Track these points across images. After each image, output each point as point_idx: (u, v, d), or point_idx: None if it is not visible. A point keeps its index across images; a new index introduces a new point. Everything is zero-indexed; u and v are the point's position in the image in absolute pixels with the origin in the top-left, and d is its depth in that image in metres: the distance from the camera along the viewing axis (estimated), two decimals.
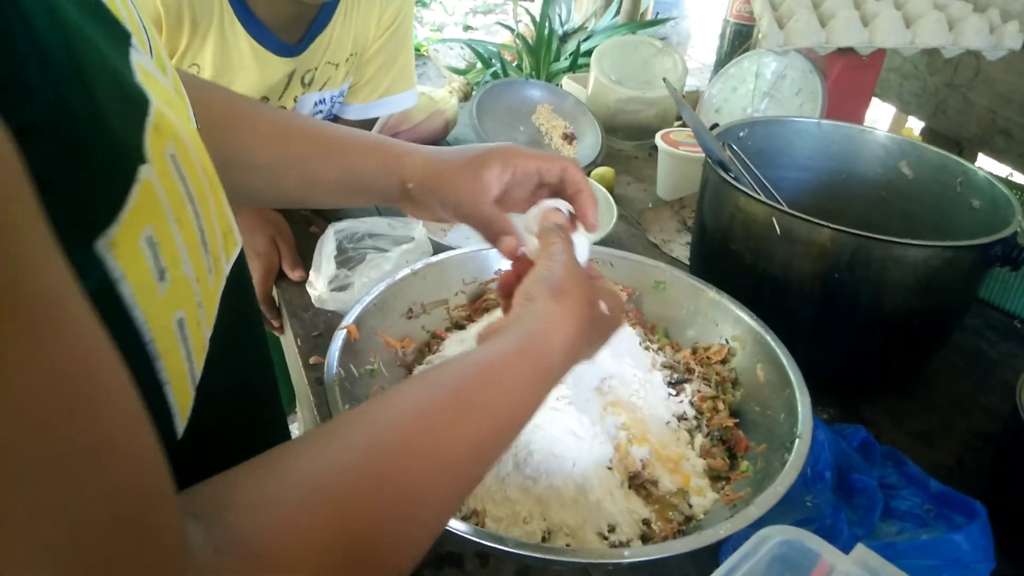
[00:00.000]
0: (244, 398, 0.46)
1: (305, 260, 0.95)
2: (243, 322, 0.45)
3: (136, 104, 0.31)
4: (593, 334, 0.53)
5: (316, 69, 1.06)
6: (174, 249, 0.32)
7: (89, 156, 0.27)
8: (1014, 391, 0.86)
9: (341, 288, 0.88)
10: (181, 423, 0.34)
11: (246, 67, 0.98)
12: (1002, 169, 1.30)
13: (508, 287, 0.58)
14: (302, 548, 0.30)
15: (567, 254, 0.56)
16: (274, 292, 0.98)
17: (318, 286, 0.88)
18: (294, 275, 0.96)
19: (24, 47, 0.23)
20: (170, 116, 0.34)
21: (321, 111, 1.14)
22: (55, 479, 0.20)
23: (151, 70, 0.35)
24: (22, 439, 0.19)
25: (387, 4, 1.10)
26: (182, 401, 0.34)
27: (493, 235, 0.61)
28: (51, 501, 0.20)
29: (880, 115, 1.96)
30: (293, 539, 0.30)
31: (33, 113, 0.24)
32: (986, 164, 1.11)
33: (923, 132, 1.47)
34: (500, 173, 0.63)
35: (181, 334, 0.33)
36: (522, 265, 0.57)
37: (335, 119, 1.19)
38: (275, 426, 0.55)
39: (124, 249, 0.29)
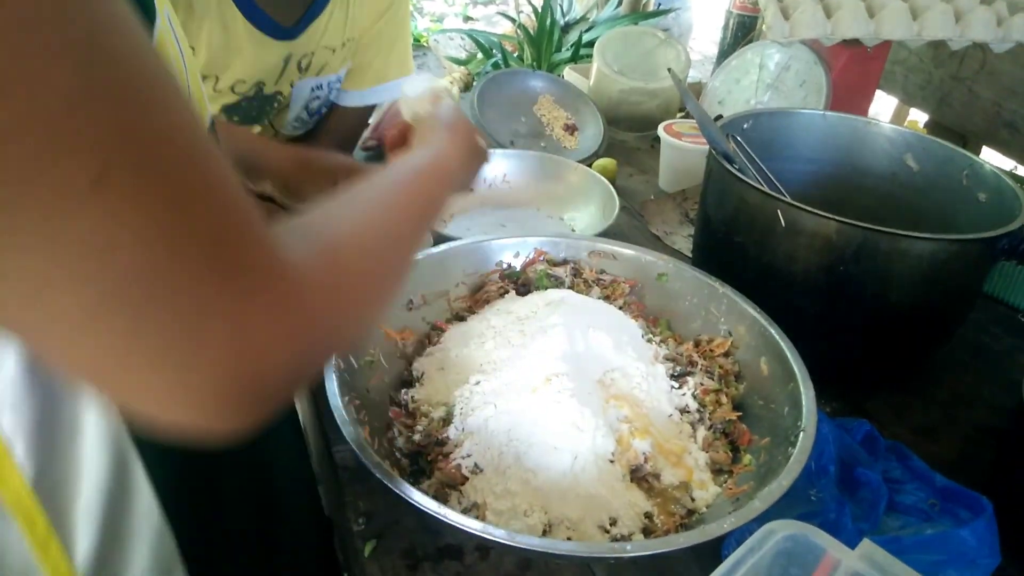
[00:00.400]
0: None
1: None
2: None
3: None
4: (473, 160, 0.69)
5: (313, 54, 1.05)
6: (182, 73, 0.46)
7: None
8: (1018, 386, 0.85)
9: None
10: None
11: (242, 50, 0.97)
12: (1006, 162, 1.29)
13: (395, 142, 0.73)
14: (353, 253, 0.40)
15: (453, 107, 0.72)
16: None
17: None
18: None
19: None
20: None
21: (319, 96, 1.12)
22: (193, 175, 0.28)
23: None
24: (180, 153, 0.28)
25: None
26: None
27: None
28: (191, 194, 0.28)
29: (883, 107, 1.95)
30: (350, 248, 0.40)
31: None
32: (990, 157, 1.10)
33: (927, 125, 1.46)
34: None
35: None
36: (404, 127, 0.73)
37: (333, 107, 1.18)
38: None
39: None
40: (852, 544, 0.46)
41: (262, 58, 0.99)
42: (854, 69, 1.22)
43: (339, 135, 1.18)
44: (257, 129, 1.08)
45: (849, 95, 1.23)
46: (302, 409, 0.88)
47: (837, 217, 0.71)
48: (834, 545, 0.46)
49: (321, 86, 1.12)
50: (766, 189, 0.77)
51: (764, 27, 1.37)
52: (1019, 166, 1.27)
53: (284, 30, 0.99)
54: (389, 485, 0.52)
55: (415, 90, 0.75)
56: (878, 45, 1.17)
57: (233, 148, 0.86)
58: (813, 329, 0.77)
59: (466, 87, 1.53)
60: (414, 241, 0.52)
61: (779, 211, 0.74)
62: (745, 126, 0.93)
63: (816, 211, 0.72)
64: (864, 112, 1.29)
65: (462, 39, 3.04)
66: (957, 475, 0.65)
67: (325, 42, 1.05)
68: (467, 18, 5.10)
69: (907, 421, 0.80)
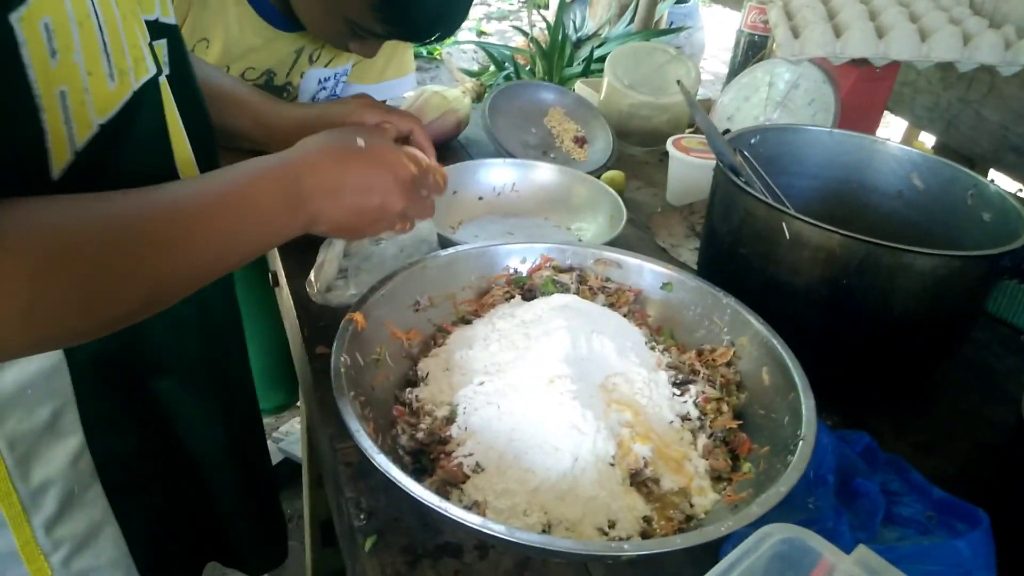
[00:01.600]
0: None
1: (312, 253, 0.95)
2: (148, 138, 0.58)
3: None
4: (369, 202, 0.62)
5: (323, 46, 1.07)
6: (68, 41, 0.46)
7: None
8: (1019, 404, 0.86)
9: (338, 289, 0.88)
10: (56, 168, 0.48)
11: (255, 44, 0.99)
12: (1013, 185, 1.30)
13: None
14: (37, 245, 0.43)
15: (390, 147, 0.67)
16: (281, 279, 0.99)
17: (317, 286, 0.89)
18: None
19: None
20: None
21: (325, 88, 1.15)
22: None
23: None
24: None
25: None
26: (58, 153, 0.48)
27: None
28: None
29: (892, 130, 1.96)
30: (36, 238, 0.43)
31: None
32: (997, 180, 1.11)
33: (935, 147, 1.47)
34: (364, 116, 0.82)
35: (62, 103, 0.47)
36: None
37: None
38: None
39: (28, 24, 0.43)
40: (849, 551, 0.47)
41: (274, 51, 1.02)
42: (862, 89, 1.23)
43: None
44: None
45: (857, 115, 1.24)
46: (308, 408, 0.89)
47: (841, 231, 0.72)
48: (829, 549, 0.47)
49: (329, 78, 1.14)
50: (771, 202, 0.78)
51: (774, 46, 1.38)
52: None
53: (295, 23, 1.01)
54: (391, 478, 0.52)
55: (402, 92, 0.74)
56: (887, 66, 1.18)
57: (242, 116, 0.86)
58: (815, 341, 0.77)
59: (478, 98, 1.55)
60: (172, 266, 0.50)
61: (784, 223, 0.75)
62: (752, 141, 0.94)
63: (820, 224, 0.72)
64: (872, 132, 1.29)
65: (475, 52, 3.07)
66: (956, 491, 0.66)
67: None
68: (480, 32, 5.14)
69: (907, 437, 0.80)
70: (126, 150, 0.54)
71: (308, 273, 0.94)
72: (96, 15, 0.48)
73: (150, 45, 0.57)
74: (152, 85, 0.56)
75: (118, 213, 0.48)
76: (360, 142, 0.62)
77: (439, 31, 0.96)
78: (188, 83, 0.67)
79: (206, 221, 0.51)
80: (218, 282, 0.58)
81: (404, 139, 0.83)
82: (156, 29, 0.60)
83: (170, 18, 0.63)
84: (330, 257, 0.92)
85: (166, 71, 0.61)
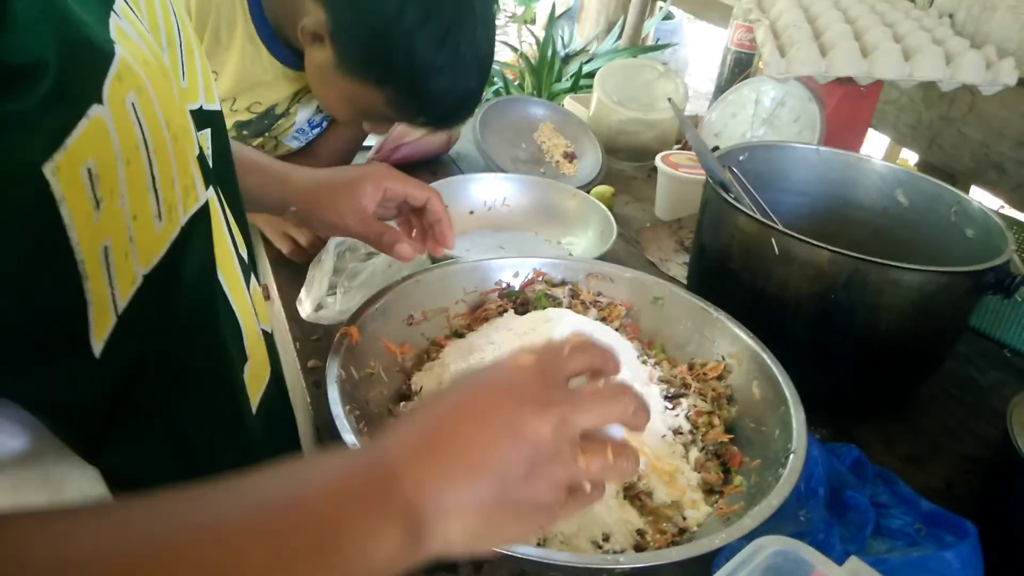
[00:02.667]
0: (190, 342, 0.47)
1: (304, 272, 0.95)
2: (197, 273, 0.47)
3: (101, 54, 0.36)
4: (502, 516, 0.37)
5: None
6: (114, 183, 0.36)
7: (45, 88, 0.32)
8: (1003, 418, 0.87)
9: (329, 308, 0.89)
10: (98, 343, 0.37)
11: (264, 80, 1.00)
12: (994, 202, 1.32)
13: None
14: None
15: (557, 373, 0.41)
16: (273, 292, 0.99)
17: (306, 306, 0.89)
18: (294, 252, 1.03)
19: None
20: (138, 71, 0.39)
21: (322, 111, 1.15)
22: None
23: (129, 33, 0.40)
24: None
25: None
26: (100, 322, 0.37)
27: (386, 244, 0.74)
28: None
29: (875, 147, 1.99)
30: None
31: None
32: (979, 197, 1.13)
33: (918, 164, 1.49)
34: (372, 192, 0.75)
35: (104, 260, 0.36)
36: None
37: (332, 122, 1.20)
38: (235, 383, 0.53)
39: (66, 174, 0.33)
40: (840, 564, 0.48)
41: (282, 88, 1.03)
42: (847, 107, 1.25)
43: (335, 150, 1.21)
44: (258, 141, 1.11)
45: (842, 132, 1.26)
46: (299, 422, 0.88)
47: (829, 247, 0.73)
48: (822, 561, 0.47)
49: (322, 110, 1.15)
50: (760, 218, 0.80)
51: (761, 64, 1.40)
52: (1006, 206, 1.30)
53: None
54: None
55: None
56: (871, 84, 1.20)
57: (250, 178, 0.73)
58: (804, 355, 0.78)
59: None
60: None
61: (773, 239, 0.76)
62: (741, 158, 0.96)
63: (809, 240, 0.74)
64: (856, 149, 1.32)
65: None
66: (943, 503, 0.67)
67: None
68: None
69: (895, 449, 0.81)
70: (172, 299, 0.43)
71: (299, 286, 0.94)
72: (146, 145, 0.39)
73: (199, 158, 0.47)
74: (202, 213, 0.47)
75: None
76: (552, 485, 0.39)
77: (457, 120, 1.00)
78: (232, 177, 0.58)
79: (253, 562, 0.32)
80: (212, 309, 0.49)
81: (418, 209, 0.80)
82: (200, 118, 0.51)
83: (215, 104, 0.53)
84: (320, 275, 0.92)
85: (209, 162, 0.52)
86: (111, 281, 0.36)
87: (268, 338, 0.60)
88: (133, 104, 0.37)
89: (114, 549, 0.30)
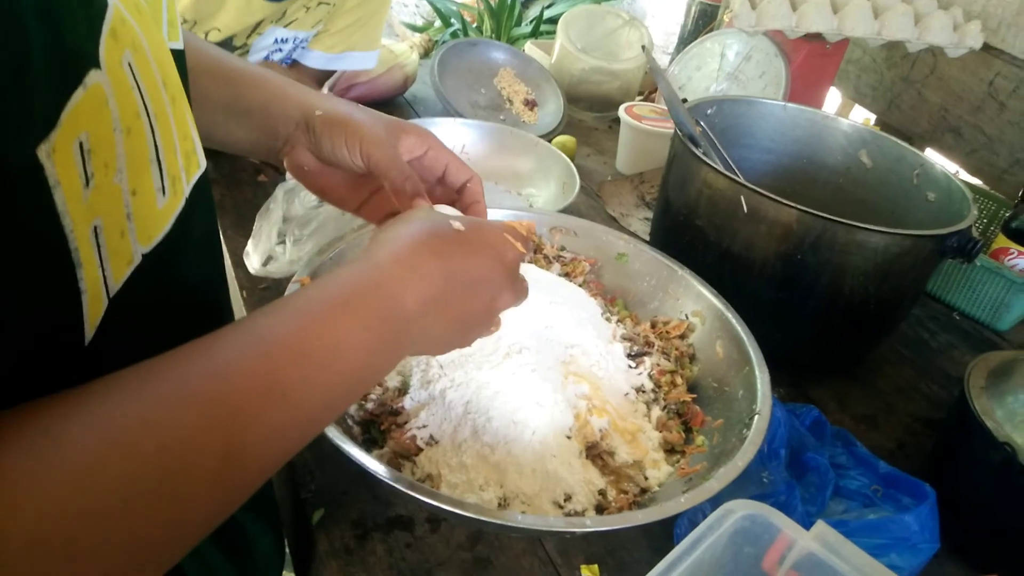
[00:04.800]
0: (195, 316, 0.44)
1: (250, 216, 0.90)
2: (201, 244, 0.43)
3: (93, 5, 0.29)
4: (474, 304, 0.45)
5: (285, 12, 1.02)
6: (110, 157, 0.31)
7: (35, 57, 0.26)
8: (952, 380, 0.89)
9: (278, 259, 0.84)
10: (89, 331, 0.33)
11: (230, 5, 0.94)
12: (949, 167, 1.33)
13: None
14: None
15: (489, 224, 0.48)
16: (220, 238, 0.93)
17: (254, 260, 0.84)
18: None
19: None
20: (132, 24, 0.32)
21: (280, 49, 1.09)
22: None
23: None
24: None
25: None
26: (93, 309, 0.33)
27: (406, 195, 0.54)
28: None
29: (828, 104, 2.00)
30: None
31: None
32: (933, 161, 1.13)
33: (876, 124, 1.50)
34: (414, 145, 0.59)
35: (95, 242, 0.32)
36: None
37: (293, 63, 1.14)
38: None
39: (61, 155, 0.28)
40: (801, 525, 0.47)
41: (244, 15, 0.97)
42: (812, 63, 1.24)
43: (306, 81, 1.15)
44: None
45: (805, 88, 1.25)
46: None
47: (798, 206, 0.72)
48: (789, 525, 0.47)
49: (287, 40, 1.08)
50: (730, 174, 0.78)
51: (727, 16, 1.38)
52: (960, 171, 1.32)
53: None
54: (341, 448, 0.50)
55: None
56: (837, 42, 1.19)
57: (250, 94, 0.59)
58: (766, 315, 0.78)
59: (425, 53, 1.50)
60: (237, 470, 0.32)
61: (742, 197, 0.74)
62: (709, 111, 0.94)
63: (779, 199, 0.72)
64: (819, 107, 1.31)
65: (417, 6, 2.97)
66: (896, 463, 0.67)
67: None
68: None
69: (849, 409, 0.82)
70: (174, 275, 0.40)
71: (244, 231, 0.89)
72: (147, 111, 0.34)
73: None
74: (203, 181, 0.43)
75: (157, 403, 0.30)
76: (457, 225, 0.45)
77: None
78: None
79: (279, 379, 0.34)
80: (215, 284, 0.47)
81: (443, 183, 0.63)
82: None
83: (178, 43, 0.44)
84: (268, 225, 0.87)
85: None
86: (103, 263, 0.33)
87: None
88: (130, 64, 0.32)
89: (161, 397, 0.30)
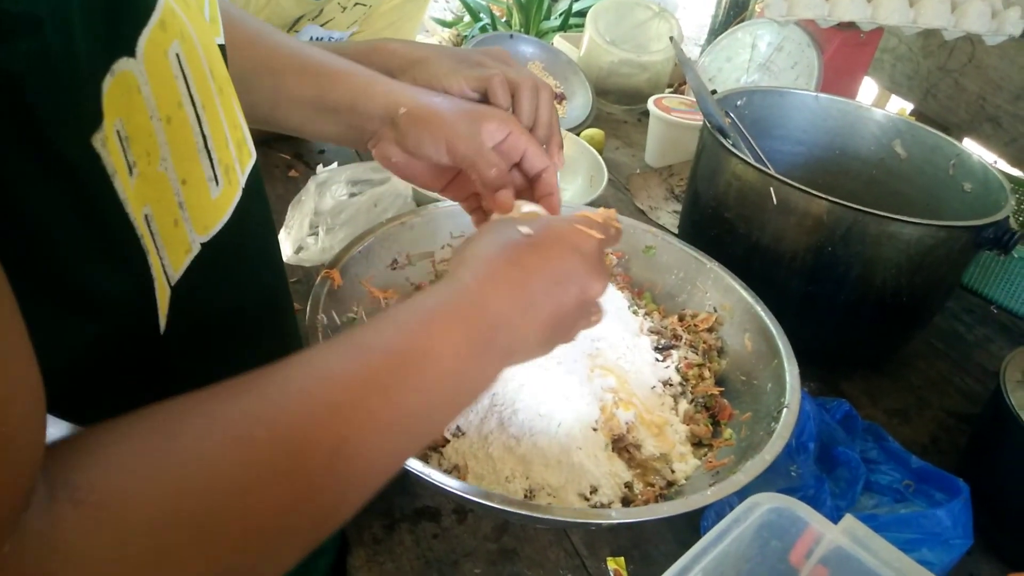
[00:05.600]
0: (257, 303, 0.46)
1: (282, 210, 0.91)
2: (256, 234, 0.45)
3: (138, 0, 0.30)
4: (562, 302, 0.44)
5: (322, 9, 1.04)
6: (152, 145, 0.32)
7: (75, 49, 0.27)
8: (989, 374, 0.87)
9: (310, 248, 0.85)
10: (163, 319, 0.35)
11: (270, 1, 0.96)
12: (987, 156, 1.30)
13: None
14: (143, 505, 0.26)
15: (558, 221, 0.48)
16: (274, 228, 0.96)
17: (286, 248, 0.85)
18: None
19: None
20: (181, 16, 0.33)
21: None
22: None
23: None
24: None
25: None
26: (160, 296, 0.34)
27: (491, 187, 0.54)
28: None
29: (864, 94, 1.97)
30: (139, 494, 0.26)
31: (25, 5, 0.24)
32: (970, 151, 1.11)
33: (912, 114, 1.47)
34: (495, 131, 0.57)
35: (149, 229, 0.33)
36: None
37: None
38: (289, 334, 0.55)
39: (111, 143, 0.29)
40: (830, 520, 0.47)
41: (284, 10, 0.98)
42: (845, 53, 1.21)
43: None
44: None
45: (838, 79, 1.23)
46: None
47: (829, 197, 0.71)
48: (816, 519, 0.46)
49: (322, 39, 1.10)
50: (759, 166, 0.77)
51: (760, 6, 1.36)
52: (999, 160, 1.28)
53: None
54: None
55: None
56: (871, 31, 1.17)
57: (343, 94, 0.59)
58: (796, 308, 0.77)
59: None
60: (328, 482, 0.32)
61: (772, 188, 0.74)
62: (739, 103, 0.93)
63: (809, 190, 0.71)
64: (852, 98, 1.29)
65: (447, 1, 2.98)
66: (929, 458, 0.66)
67: None
68: None
69: (881, 403, 0.81)
70: (236, 263, 0.41)
71: (278, 227, 0.90)
72: (192, 101, 0.35)
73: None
74: (256, 170, 0.44)
75: (265, 400, 0.31)
76: (524, 229, 0.46)
77: None
78: None
79: (377, 378, 0.35)
80: (276, 272, 0.49)
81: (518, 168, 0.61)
82: None
83: (221, 37, 0.45)
84: (300, 215, 0.88)
85: None
86: (160, 251, 0.34)
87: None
88: (178, 55, 0.33)
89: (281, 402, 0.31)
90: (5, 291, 0.22)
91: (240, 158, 0.41)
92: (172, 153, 0.33)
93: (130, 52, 0.30)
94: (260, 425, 0.30)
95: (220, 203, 0.38)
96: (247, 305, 0.44)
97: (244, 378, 0.32)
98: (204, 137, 0.36)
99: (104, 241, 0.30)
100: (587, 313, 0.48)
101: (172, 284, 0.35)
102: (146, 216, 0.32)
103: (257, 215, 0.44)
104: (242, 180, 0.41)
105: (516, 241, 0.45)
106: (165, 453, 0.27)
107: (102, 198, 0.29)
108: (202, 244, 0.37)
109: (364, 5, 1.08)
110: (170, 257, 0.35)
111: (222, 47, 0.44)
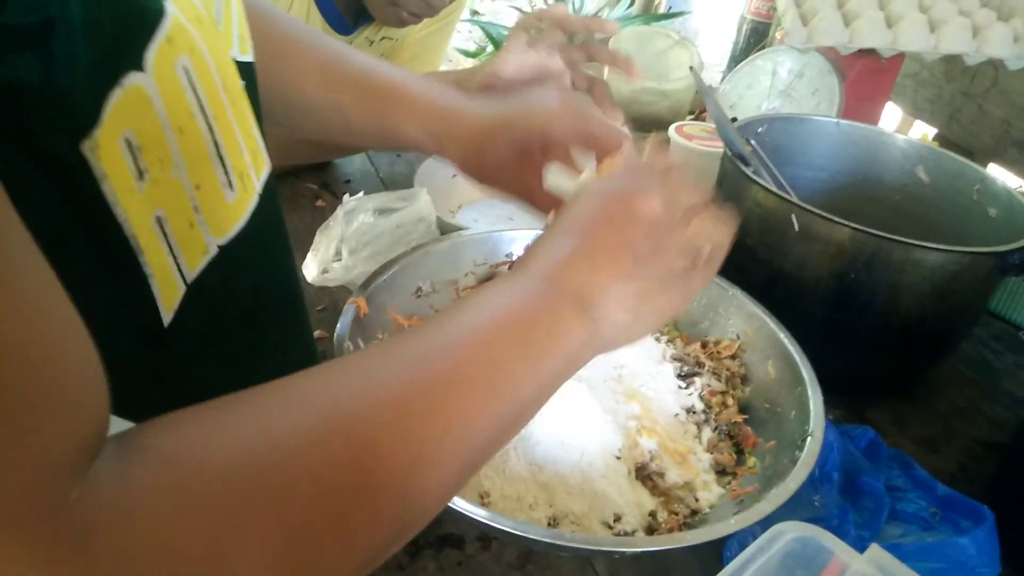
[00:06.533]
0: (272, 304, 0.48)
1: (308, 239, 0.93)
2: (271, 239, 0.47)
3: (146, 14, 0.32)
4: (655, 289, 0.42)
5: (353, 40, 1.07)
6: (165, 154, 0.34)
7: (77, 60, 0.29)
8: (1018, 402, 0.86)
9: (335, 271, 0.87)
10: (167, 313, 0.37)
11: None
12: (1013, 181, 1.29)
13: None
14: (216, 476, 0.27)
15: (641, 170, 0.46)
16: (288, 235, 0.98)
17: (312, 270, 0.87)
18: None
19: None
20: (192, 32, 0.35)
21: None
22: None
23: None
24: None
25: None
26: (167, 293, 0.36)
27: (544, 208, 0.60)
28: None
29: (888, 120, 1.96)
30: (211, 463, 0.27)
31: (26, 16, 0.26)
32: (996, 175, 1.10)
33: (936, 139, 1.46)
34: (542, 155, 0.60)
35: (161, 231, 0.35)
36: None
37: None
38: (301, 334, 0.58)
39: (106, 150, 0.31)
40: (855, 550, 0.47)
41: None
42: (867, 79, 1.22)
43: None
44: None
45: (860, 105, 1.23)
46: None
47: (851, 224, 0.71)
48: (842, 548, 0.46)
49: None
50: (781, 193, 0.77)
51: (780, 33, 1.37)
52: None
53: (347, 27, 1.01)
54: None
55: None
56: (892, 57, 1.17)
57: (408, 117, 0.64)
58: (819, 335, 0.77)
59: None
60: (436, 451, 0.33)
61: (793, 215, 0.74)
62: (760, 130, 0.93)
63: (831, 217, 0.72)
64: (875, 124, 1.29)
65: (470, 31, 3.03)
66: (957, 487, 0.65)
67: (367, 33, 1.07)
68: (474, 12, 5.08)
69: (908, 431, 0.80)
70: (253, 266, 0.44)
71: (303, 251, 0.92)
72: (204, 112, 0.37)
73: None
74: (271, 179, 0.46)
75: (349, 409, 0.31)
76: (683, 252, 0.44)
77: None
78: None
79: (474, 377, 0.35)
80: (288, 274, 0.52)
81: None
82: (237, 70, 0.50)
83: (248, 55, 0.47)
84: (327, 240, 0.90)
85: None
86: (173, 251, 0.36)
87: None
88: (186, 68, 0.35)
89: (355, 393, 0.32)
90: (38, 253, 0.23)
91: (255, 166, 0.43)
92: (185, 160, 0.36)
93: (138, 66, 0.32)
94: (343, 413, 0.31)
95: (236, 208, 0.40)
96: (260, 306, 0.46)
97: (327, 367, 0.34)
98: (216, 145, 0.38)
99: (90, 241, 0.32)
100: (672, 228, 0.44)
101: (188, 282, 0.37)
102: (158, 218, 0.35)
103: (272, 221, 0.46)
104: (258, 186, 0.43)
105: (574, 217, 0.44)
106: (239, 426, 0.29)
107: (89, 201, 0.31)
108: (219, 247, 0.39)
109: (391, 39, 1.11)
110: (186, 257, 0.37)
111: (250, 64, 0.46)
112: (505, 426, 0.37)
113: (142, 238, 0.34)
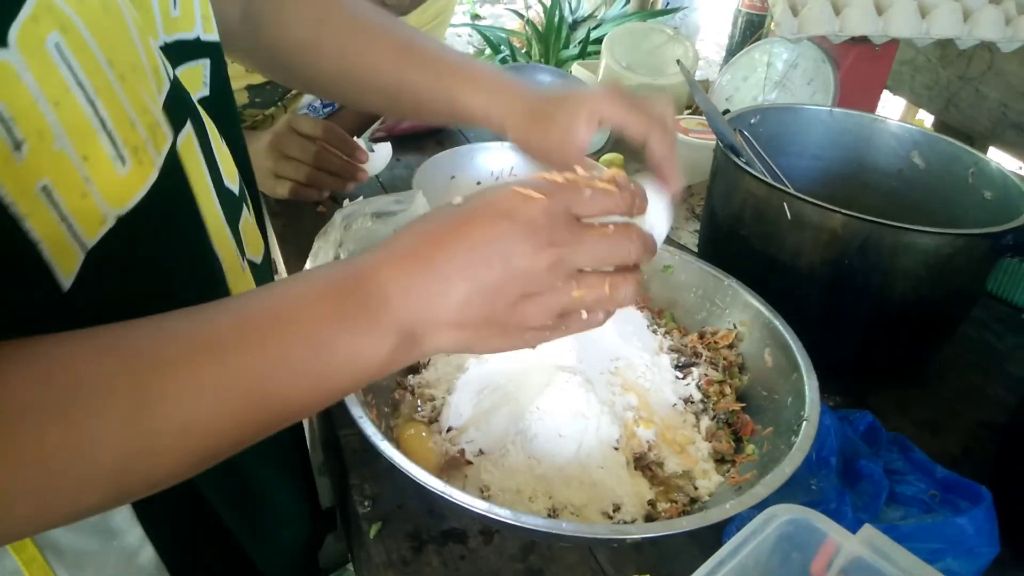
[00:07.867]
0: (184, 274, 0.50)
1: (310, 245, 0.94)
2: (176, 211, 0.48)
3: None
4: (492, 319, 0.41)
5: None
6: (43, 126, 0.36)
7: None
8: (1020, 382, 0.86)
9: None
10: (65, 279, 0.39)
11: None
12: (1012, 163, 1.29)
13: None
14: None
15: (494, 187, 0.42)
16: (280, 267, 0.98)
17: None
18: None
19: None
20: (63, 10, 0.37)
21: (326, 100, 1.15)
22: None
23: None
24: None
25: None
26: (62, 260, 0.39)
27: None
28: None
29: (890, 110, 1.96)
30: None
31: None
32: (996, 158, 1.10)
33: (934, 125, 1.46)
34: (588, 122, 0.64)
35: (49, 199, 0.37)
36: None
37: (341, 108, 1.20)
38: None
39: None
40: (853, 532, 0.47)
41: None
42: (861, 67, 1.22)
43: (351, 122, 1.20)
44: (270, 111, 1.10)
45: (856, 94, 1.23)
46: None
47: (843, 210, 0.71)
48: (835, 529, 0.47)
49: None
50: (773, 182, 0.78)
51: (772, 24, 1.37)
52: None
53: None
54: (395, 464, 0.52)
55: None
56: (886, 43, 1.17)
57: (476, 93, 0.69)
58: (817, 322, 0.77)
59: None
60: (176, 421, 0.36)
61: (785, 204, 0.74)
62: (752, 121, 0.94)
63: (822, 204, 0.72)
64: (871, 111, 1.29)
65: (470, 35, 3.04)
66: (960, 469, 0.66)
67: None
68: (475, 16, 5.10)
69: (909, 415, 0.80)
70: (155, 238, 0.45)
71: (304, 259, 0.93)
72: (82, 86, 0.38)
73: (172, 94, 0.47)
74: (184, 150, 0.48)
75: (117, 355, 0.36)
76: (456, 199, 0.42)
77: None
78: (229, 109, 0.59)
79: (193, 363, 0.36)
80: (195, 247, 0.52)
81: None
82: (196, 49, 0.52)
83: (212, 35, 0.52)
84: (326, 246, 0.91)
85: (204, 92, 0.54)
86: (66, 219, 0.38)
87: (256, 269, 0.61)
88: (58, 44, 0.37)
89: (109, 367, 0.35)
90: None
91: (155, 141, 0.44)
92: (68, 133, 0.37)
93: (2, 43, 0.34)
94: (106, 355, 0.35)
95: (131, 180, 0.42)
96: (170, 276, 0.48)
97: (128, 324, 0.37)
98: (102, 120, 0.39)
99: None
100: (552, 292, 0.41)
101: (88, 248, 0.40)
102: (44, 187, 0.37)
103: (176, 193, 0.47)
104: (157, 160, 0.44)
105: (437, 214, 0.42)
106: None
107: None
108: (118, 217, 0.41)
109: None
110: (82, 225, 0.39)
111: (216, 43, 0.52)
112: (244, 411, 0.38)
113: (23, 206, 0.36)
